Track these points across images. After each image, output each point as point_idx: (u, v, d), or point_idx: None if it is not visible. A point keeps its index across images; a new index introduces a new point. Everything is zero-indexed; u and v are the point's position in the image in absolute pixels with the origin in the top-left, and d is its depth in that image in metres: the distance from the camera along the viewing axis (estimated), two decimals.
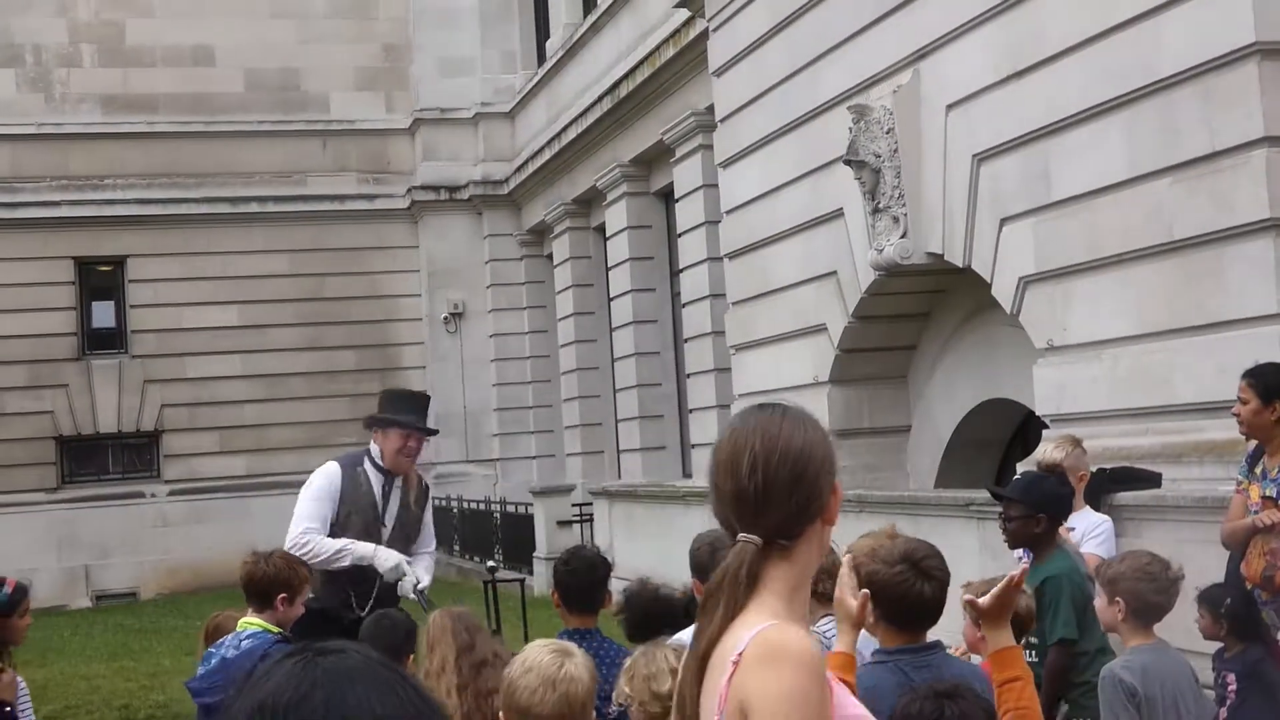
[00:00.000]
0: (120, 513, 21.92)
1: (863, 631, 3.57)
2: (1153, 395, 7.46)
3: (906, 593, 3.55)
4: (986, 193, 8.95)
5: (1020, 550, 5.46)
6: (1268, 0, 6.78)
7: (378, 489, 6.99)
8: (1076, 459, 6.14)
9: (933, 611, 3.61)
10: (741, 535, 2.24)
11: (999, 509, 5.49)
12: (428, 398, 7.52)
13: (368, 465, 7.00)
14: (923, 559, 3.59)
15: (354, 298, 23.10)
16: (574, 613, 4.99)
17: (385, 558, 6.76)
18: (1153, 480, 6.85)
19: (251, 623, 5.29)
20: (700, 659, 2.22)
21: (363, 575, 6.87)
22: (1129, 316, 7.74)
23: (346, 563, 6.74)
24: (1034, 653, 4.74)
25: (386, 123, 23.66)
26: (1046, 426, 8.57)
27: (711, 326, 14.70)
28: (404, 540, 7.05)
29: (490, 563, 7.47)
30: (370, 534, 6.92)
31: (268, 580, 5.28)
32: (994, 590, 3.22)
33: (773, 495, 2.19)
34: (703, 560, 4.61)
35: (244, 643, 5.14)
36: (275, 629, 5.28)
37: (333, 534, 6.86)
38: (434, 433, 7.40)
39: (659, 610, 4.88)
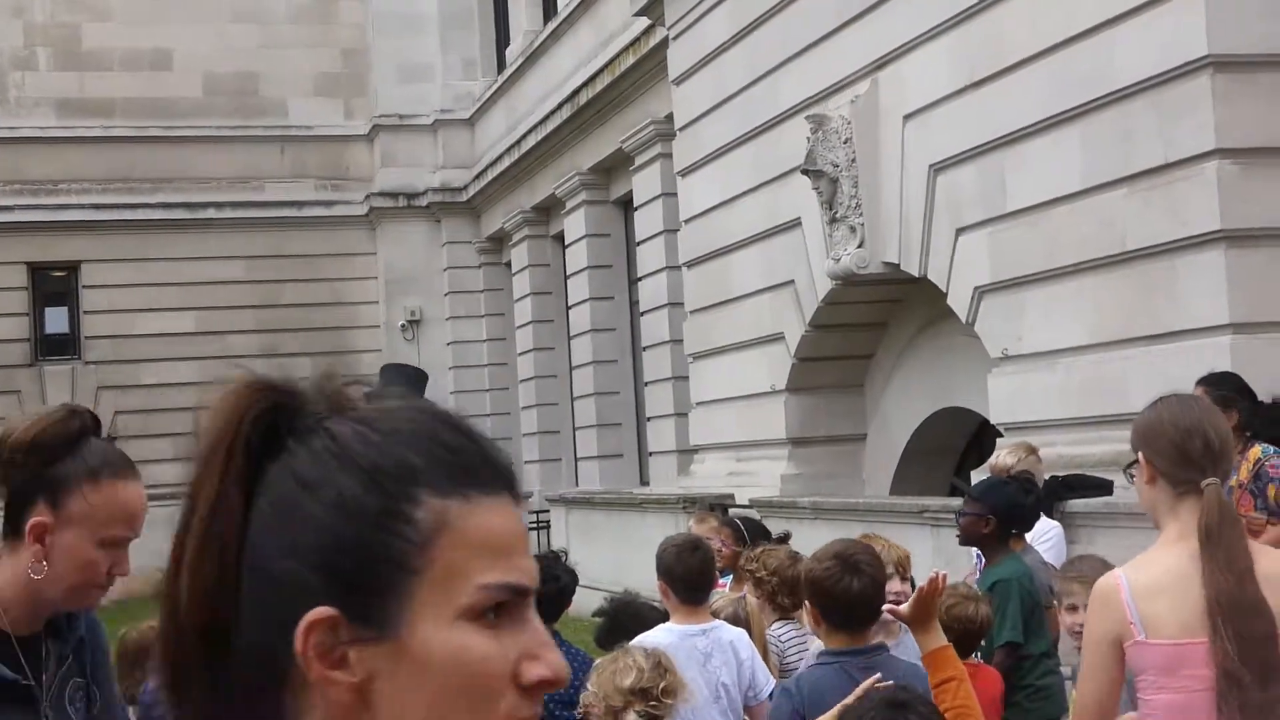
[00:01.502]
0: None
1: (811, 635, 3.59)
2: (1106, 404, 7.51)
3: (834, 587, 3.59)
4: (943, 202, 9.01)
5: (975, 555, 5.53)
6: (1221, 12, 6.86)
7: None
8: (1029, 466, 6.19)
9: (866, 608, 3.64)
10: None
11: (955, 514, 5.55)
12: (424, 374, 7.47)
13: None
14: (853, 555, 3.63)
15: (311, 304, 22.97)
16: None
17: None
18: (1104, 488, 6.91)
19: None
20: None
21: None
22: (1083, 326, 7.81)
23: None
24: (980, 655, 4.79)
25: (345, 129, 23.56)
26: (1001, 435, 8.63)
27: (669, 335, 14.72)
28: None
29: None
30: None
31: None
32: (913, 596, 3.25)
33: None
34: (669, 562, 4.64)
35: None
36: None
37: None
38: None
39: (637, 624, 4.89)
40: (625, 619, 4.87)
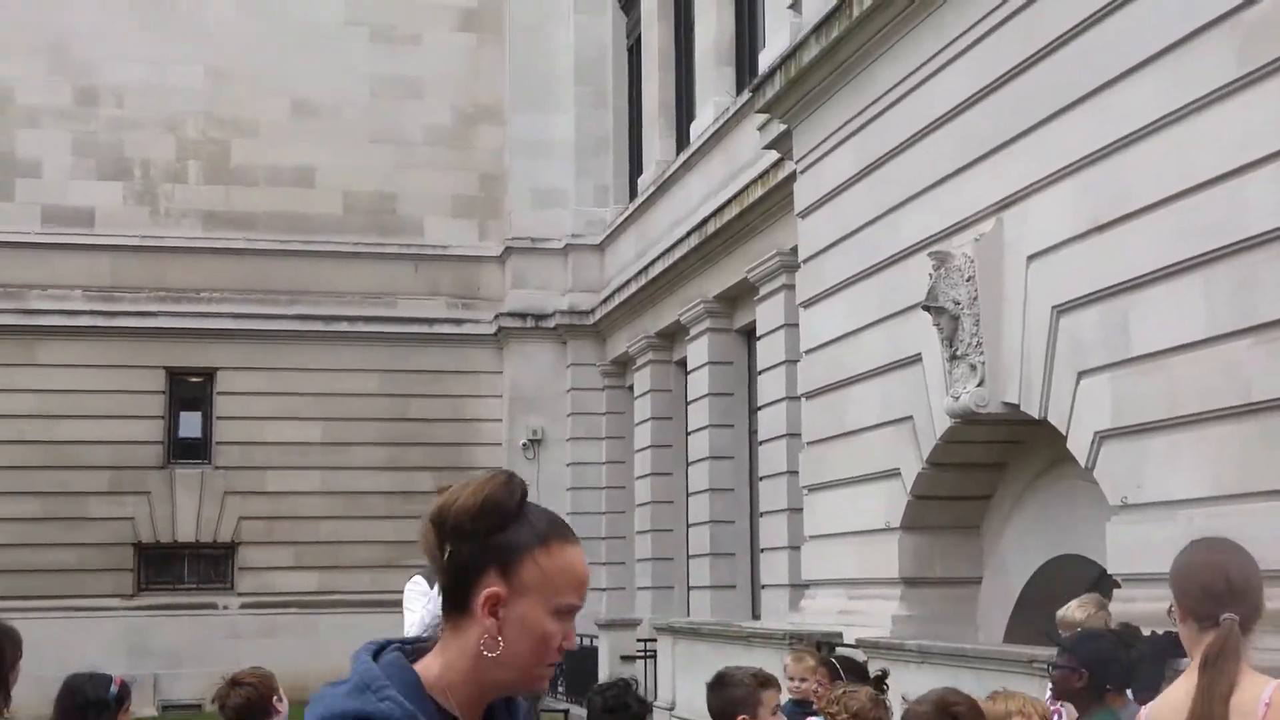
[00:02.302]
0: (192, 623, 22.03)
1: None
2: None
3: None
4: (1065, 344, 8.88)
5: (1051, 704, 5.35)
6: None
7: None
8: (1099, 621, 6.01)
9: None
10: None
11: (1046, 665, 5.38)
12: None
13: None
14: (953, 705, 3.54)
15: (436, 419, 23.30)
16: None
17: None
18: None
19: None
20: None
21: None
22: (1205, 477, 7.59)
23: (421, 630, 6.84)
24: None
25: (478, 249, 24.04)
26: (1119, 586, 8.38)
27: (787, 466, 14.62)
28: None
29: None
30: None
31: (252, 702, 5.37)
32: None
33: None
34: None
35: None
36: None
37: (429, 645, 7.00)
38: None
39: None
40: None
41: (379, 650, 2.19)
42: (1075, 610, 6.18)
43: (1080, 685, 5.03)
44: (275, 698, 5.46)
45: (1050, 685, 5.32)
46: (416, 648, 2.20)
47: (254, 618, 22.36)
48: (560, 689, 18.05)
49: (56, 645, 18.26)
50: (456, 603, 2.15)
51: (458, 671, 2.14)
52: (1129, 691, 5.34)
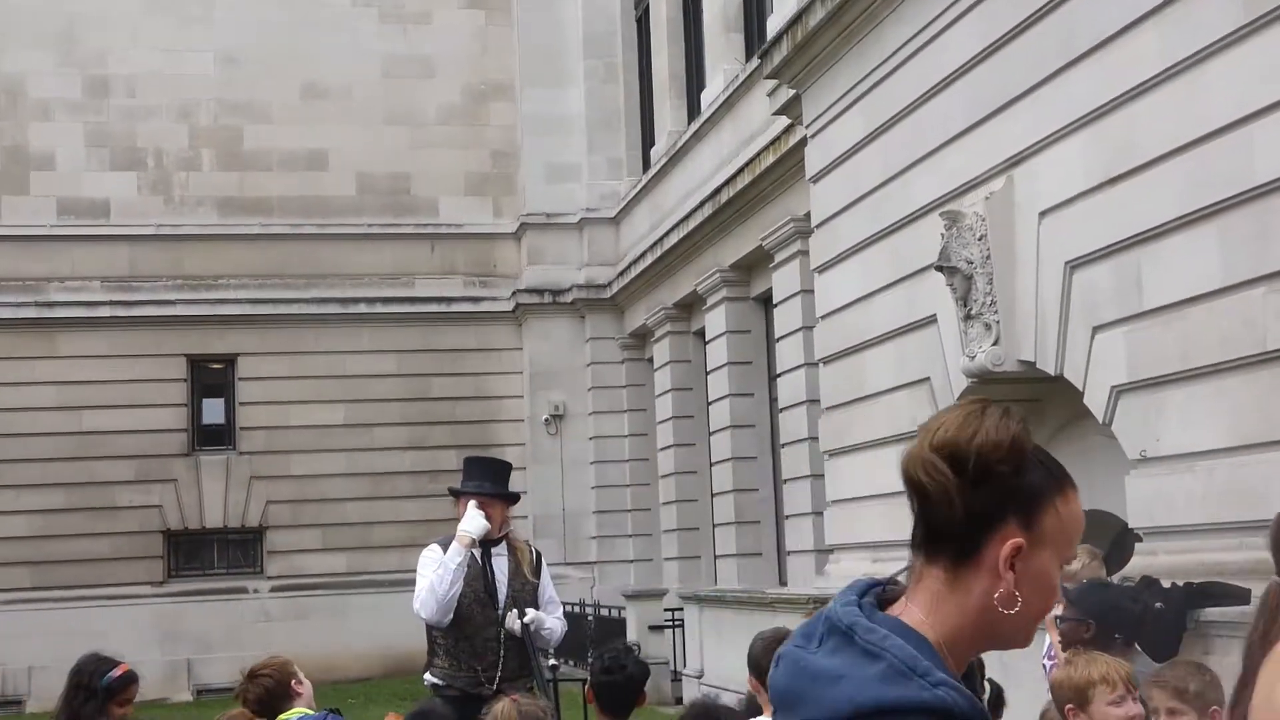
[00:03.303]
0: (223, 608, 22.16)
1: None
2: (1245, 510, 7.24)
3: None
4: (1079, 300, 8.84)
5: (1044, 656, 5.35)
6: None
7: (478, 559, 7.08)
8: (1092, 571, 6.00)
9: None
10: None
11: (1055, 619, 5.38)
12: (506, 465, 7.54)
13: None
14: None
15: (458, 398, 23.34)
16: (606, 713, 5.00)
17: (465, 524, 6.96)
18: (1241, 597, 6.64)
19: (291, 714, 5.36)
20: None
21: (484, 649, 6.97)
22: (1223, 428, 7.56)
23: (452, 585, 6.86)
24: None
25: (493, 227, 24.03)
26: (1140, 540, 8.37)
27: (808, 432, 14.61)
28: (521, 606, 7.12)
29: (552, 661, 7.50)
30: (482, 605, 7.02)
31: (272, 692, 5.40)
32: None
33: None
34: (757, 656, 4.56)
35: None
36: (311, 710, 5.38)
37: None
38: (511, 498, 7.42)
39: None
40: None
41: (859, 599, 1.93)
42: (1071, 562, 6.16)
43: (1088, 636, 5.03)
44: (295, 681, 5.49)
45: (1058, 638, 5.32)
46: (882, 596, 1.95)
47: (285, 600, 22.49)
48: (589, 659, 18.10)
49: (89, 634, 18.40)
50: (962, 551, 1.89)
51: (957, 630, 1.88)
52: (1137, 645, 5.34)
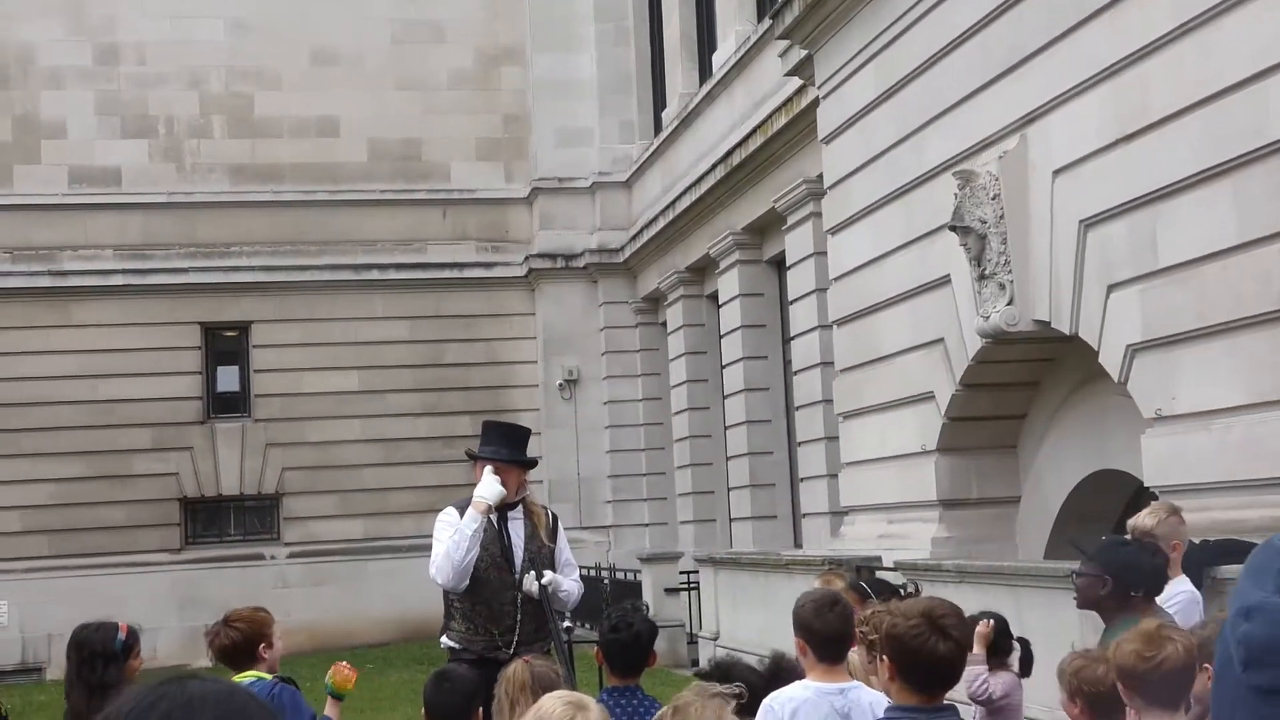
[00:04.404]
0: (241, 574, 22.23)
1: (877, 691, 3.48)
2: (1262, 467, 7.24)
3: (920, 648, 3.47)
4: (1093, 259, 8.80)
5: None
6: None
7: (494, 523, 7.10)
8: (1171, 528, 5.94)
9: (948, 672, 3.52)
10: None
11: (1071, 575, 5.37)
12: (525, 430, 7.53)
13: None
14: (941, 617, 3.51)
15: (471, 364, 23.36)
16: (616, 673, 5.01)
17: (481, 490, 6.97)
18: None
19: (246, 675, 5.38)
20: None
21: (500, 613, 7.00)
22: (1238, 386, 7.54)
23: (468, 551, 6.88)
24: None
25: (505, 192, 23.98)
26: (1156, 499, 8.35)
27: (822, 394, 14.60)
28: (537, 570, 7.14)
29: (566, 624, 7.52)
30: (499, 569, 7.05)
31: (238, 645, 5.40)
32: None
33: None
34: (806, 618, 4.54)
35: None
36: (268, 675, 5.39)
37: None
38: (529, 463, 7.43)
39: (732, 680, 4.81)
40: (723, 679, 4.80)
41: None
42: (1146, 517, 6.09)
43: (1105, 592, 5.01)
44: (264, 645, 5.46)
45: (1074, 595, 5.31)
46: None
47: (302, 567, 22.58)
48: (606, 614, 18.14)
49: (108, 601, 18.52)
50: None
51: None
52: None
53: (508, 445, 7.28)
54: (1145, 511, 6.22)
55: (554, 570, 7.18)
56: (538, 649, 7.04)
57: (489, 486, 7.04)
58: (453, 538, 6.98)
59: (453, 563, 6.94)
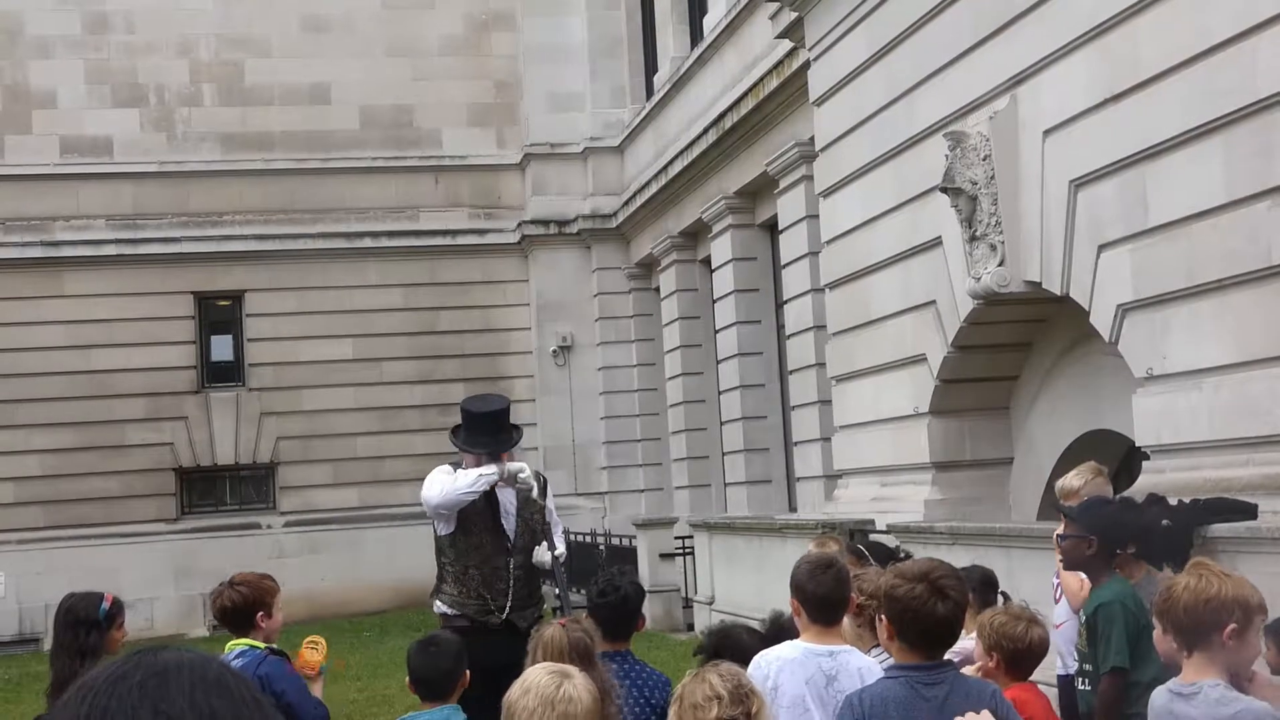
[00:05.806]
0: (237, 543, 22.25)
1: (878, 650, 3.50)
2: (1253, 425, 7.24)
3: (920, 609, 3.50)
4: (1084, 219, 8.79)
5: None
6: None
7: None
8: (1097, 488, 5.99)
9: (946, 632, 3.55)
10: None
11: (1056, 538, 5.37)
12: (503, 412, 7.44)
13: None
14: (940, 578, 3.53)
15: (465, 331, 23.33)
16: (606, 637, 5.02)
17: (485, 475, 6.96)
18: (1249, 512, 6.64)
19: (238, 642, 5.38)
20: None
21: (493, 577, 7.01)
22: (1229, 344, 7.54)
23: (466, 494, 6.88)
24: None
25: (497, 158, 23.91)
26: (1148, 458, 8.36)
27: (815, 358, 14.60)
28: (530, 534, 7.15)
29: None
30: (495, 533, 7.05)
31: (238, 607, 5.40)
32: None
33: None
34: (801, 580, 4.56)
35: (234, 661, 5.17)
36: (262, 644, 5.40)
37: (453, 537, 7.04)
38: (512, 445, 7.41)
39: (738, 654, 4.82)
40: (725, 651, 4.79)
41: None
42: (1073, 479, 6.16)
43: (1090, 553, 5.02)
44: (262, 613, 5.45)
45: (1060, 556, 5.32)
46: None
47: (298, 535, 22.60)
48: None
49: (105, 572, 18.56)
50: None
51: None
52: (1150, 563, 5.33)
53: (492, 435, 7.22)
54: (1072, 472, 6.29)
55: (542, 529, 7.20)
56: (530, 615, 7.06)
57: (489, 475, 7.00)
58: (456, 480, 6.97)
59: (447, 492, 6.91)
